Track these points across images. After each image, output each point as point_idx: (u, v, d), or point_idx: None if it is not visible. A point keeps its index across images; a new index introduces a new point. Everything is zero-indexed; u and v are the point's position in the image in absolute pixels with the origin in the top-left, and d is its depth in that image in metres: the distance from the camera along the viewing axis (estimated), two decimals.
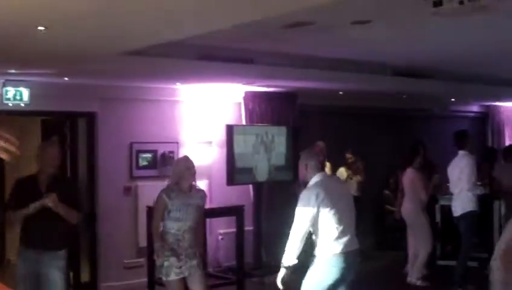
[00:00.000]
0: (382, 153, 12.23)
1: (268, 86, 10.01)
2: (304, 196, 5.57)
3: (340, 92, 10.91)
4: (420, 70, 9.56)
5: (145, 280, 8.79)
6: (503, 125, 15.43)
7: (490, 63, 9.04)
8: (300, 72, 8.49)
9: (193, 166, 6.49)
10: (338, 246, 5.52)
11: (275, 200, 10.50)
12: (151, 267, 8.58)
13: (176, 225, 6.34)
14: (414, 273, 9.62)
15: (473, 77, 10.47)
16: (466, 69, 9.86)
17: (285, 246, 5.51)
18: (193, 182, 6.51)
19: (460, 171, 9.13)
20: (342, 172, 11.11)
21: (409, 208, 9.65)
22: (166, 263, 6.29)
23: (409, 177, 9.60)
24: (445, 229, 11.18)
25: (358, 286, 5.89)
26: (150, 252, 8.57)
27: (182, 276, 6.34)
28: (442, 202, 10.76)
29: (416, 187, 9.50)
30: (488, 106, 15.28)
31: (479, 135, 15.06)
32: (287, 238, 5.53)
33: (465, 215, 9.07)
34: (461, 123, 15.00)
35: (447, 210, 11.23)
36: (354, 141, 11.64)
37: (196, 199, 6.49)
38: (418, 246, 9.66)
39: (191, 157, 6.63)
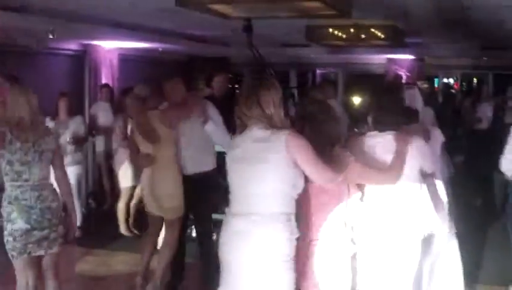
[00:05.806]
0: None
1: None
2: None
3: None
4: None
5: None
6: (100, 64, 15.60)
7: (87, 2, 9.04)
8: None
9: None
10: None
11: None
12: None
13: None
14: None
15: (70, 13, 10.26)
16: (62, 6, 9.59)
17: None
18: None
19: None
20: None
21: None
22: None
23: None
24: None
25: None
26: None
27: None
28: None
29: None
30: (86, 45, 15.23)
31: (76, 73, 15.19)
32: None
33: None
34: (59, 61, 15.02)
35: None
36: None
37: None
38: None
39: None
